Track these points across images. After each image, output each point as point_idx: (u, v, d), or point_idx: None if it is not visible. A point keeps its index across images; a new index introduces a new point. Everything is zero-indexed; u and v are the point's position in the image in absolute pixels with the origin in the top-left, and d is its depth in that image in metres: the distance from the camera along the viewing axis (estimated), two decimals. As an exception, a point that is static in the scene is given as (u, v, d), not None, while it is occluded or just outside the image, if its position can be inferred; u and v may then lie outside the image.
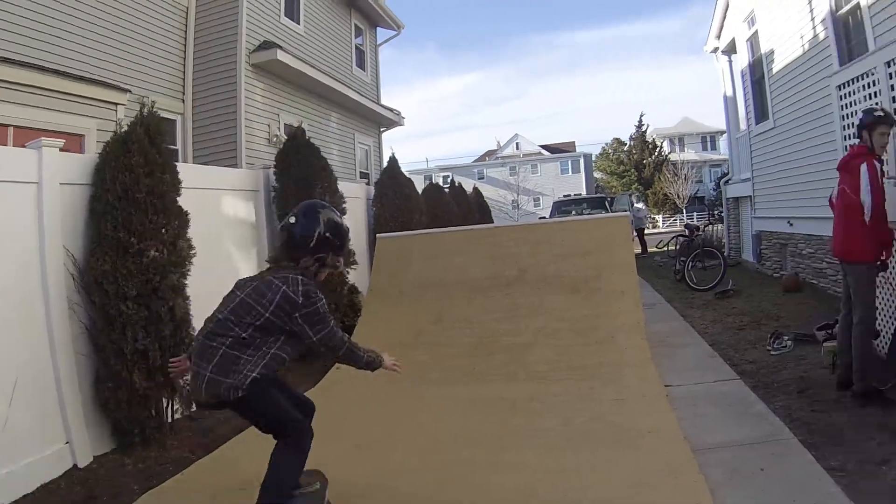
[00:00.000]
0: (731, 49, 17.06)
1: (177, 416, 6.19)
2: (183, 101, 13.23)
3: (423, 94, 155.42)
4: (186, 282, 6.14)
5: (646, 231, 24.94)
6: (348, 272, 9.47)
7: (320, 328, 3.80)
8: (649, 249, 23.51)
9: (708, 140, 69.27)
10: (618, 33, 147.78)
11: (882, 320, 6.22)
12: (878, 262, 5.53)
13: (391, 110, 21.51)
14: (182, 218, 6.25)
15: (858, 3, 9.00)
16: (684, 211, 55.21)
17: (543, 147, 73.60)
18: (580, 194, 50.85)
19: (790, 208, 12.21)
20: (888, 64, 6.21)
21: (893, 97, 6.11)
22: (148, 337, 5.66)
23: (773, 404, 5.63)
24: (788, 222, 12.30)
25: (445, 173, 64.71)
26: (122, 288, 5.59)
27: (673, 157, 63.58)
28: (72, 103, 9.59)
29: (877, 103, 6.32)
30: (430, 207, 14.81)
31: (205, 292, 6.69)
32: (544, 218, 27.40)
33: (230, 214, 8.43)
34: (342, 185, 9.95)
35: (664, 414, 5.61)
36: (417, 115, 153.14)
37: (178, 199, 6.28)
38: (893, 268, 6.16)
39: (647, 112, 71.71)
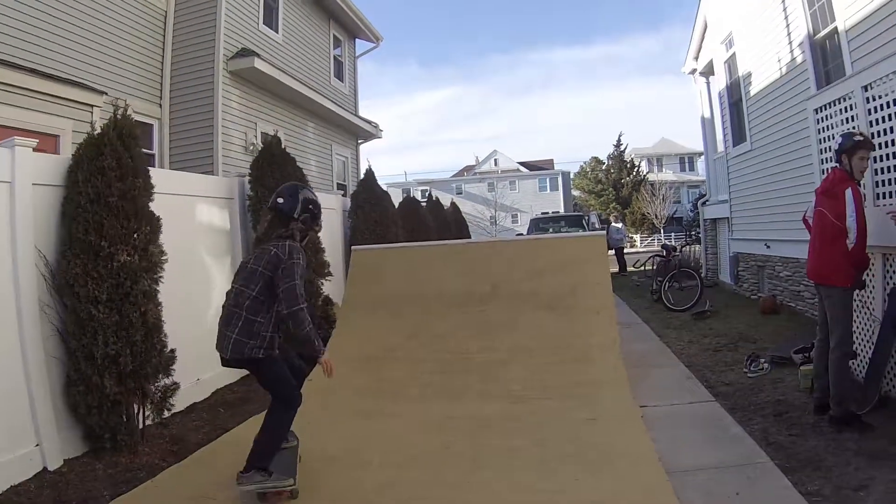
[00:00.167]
0: (709, 71, 17.18)
1: (148, 422, 6.14)
2: (160, 105, 13.11)
3: (404, 108, 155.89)
4: (158, 287, 6.12)
5: (624, 250, 24.95)
6: (322, 283, 9.38)
7: (287, 281, 4.61)
8: (627, 268, 23.53)
9: (686, 161, 69.90)
10: (597, 53, 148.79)
11: (859, 344, 6.21)
12: (857, 282, 5.53)
13: (369, 122, 21.48)
14: (154, 223, 6.19)
15: (836, 28, 9.08)
16: (662, 231, 55.45)
17: (522, 164, 73.79)
18: (558, 212, 51.10)
19: (768, 230, 12.26)
20: (865, 88, 6.21)
21: (870, 121, 6.11)
22: (119, 342, 5.61)
23: (750, 427, 5.60)
24: (766, 244, 12.34)
25: (424, 187, 64.65)
26: (92, 292, 5.58)
27: (651, 177, 63.97)
28: (47, 103, 9.45)
29: (854, 127, 6.32)
30: (406, 221, 14.80)
31: (177, 299, 6.72)
32: (521, 234, 27.45)
33: (204, 221, 8.32)
34: (318, 196, 9.77)
35: (639, 435, 5.55)
36: (397, 129, 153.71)
37: (150, 204, 6.24)
38: (870, 291, 6.16)
39: (626, 132, 71.64)
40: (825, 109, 7.15)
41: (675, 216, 55.72)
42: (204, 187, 8.53)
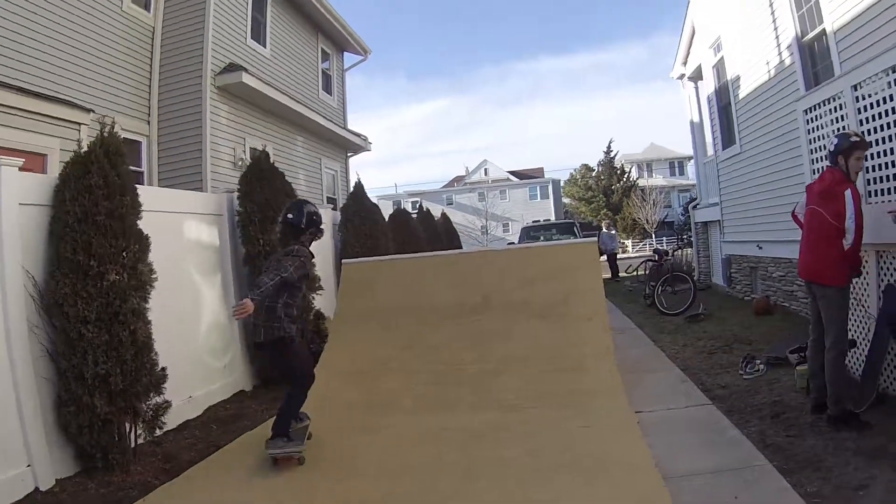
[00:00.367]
0: (697, 75, 17.23)
1: (140, 440, 6.10)
2: (148, 122, 13.02)
3: (393, 121, 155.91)
4: (148, 305, 6.08)
5: (617, 256, 24.98)
6: (314, 298, 9.33)
7: (270, 272, 5.63)
8: (619, 274, 23.54)
9: (676, 165, 70.10)
10: (585, 62, 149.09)
11: (855, 335, 6.20)
12: (855, 272, 5.57)
13: (358, 135, 21.48)
14: (143, 241, 6.17)
15: (824, 30, 9.09)
16: (653, 236, 55.54)
17: (512, 173, 73.94)
18: (549, 220, 51.05)
19: (759, 232, 12.27)
20: (855, 87, 6.22)
21: (860, 120, 6.12)
22: (109, 361, 5.58)
23: (747, 429, 5.56)
24: (758, 246, 12.34)
25: (414, 199, 64.80)
26: (82, 311, 5.55)
27: (641, 182, 64.16)
28: (34, 122, 9.41)
29: (844, 127, 6.32)
30: (396, 233, 14.78)
31: (168, 316, 6.69)
32: (513, 243, 27.48)
33: (193, 238, 8.26)
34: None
35: (635, 442, 5.51)
36: (387, 141, 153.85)
37: (138, 222, 6.21)
38: (864, 288, 6.16)
39: (616, 139, 72.01)
40: (815, 110, 7.15)
41: (666, 220, 55.91)
42: (192, 204, 8.47)
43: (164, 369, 6.09)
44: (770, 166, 11.40)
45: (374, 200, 13.66)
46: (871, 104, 5.95)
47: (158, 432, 6.31)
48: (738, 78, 13.13)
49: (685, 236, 25.00)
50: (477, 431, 6.20)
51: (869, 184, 6.09)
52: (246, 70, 13.92)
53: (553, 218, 58.89)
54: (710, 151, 16.60)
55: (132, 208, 6.13)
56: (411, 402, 7.30)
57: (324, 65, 20.25)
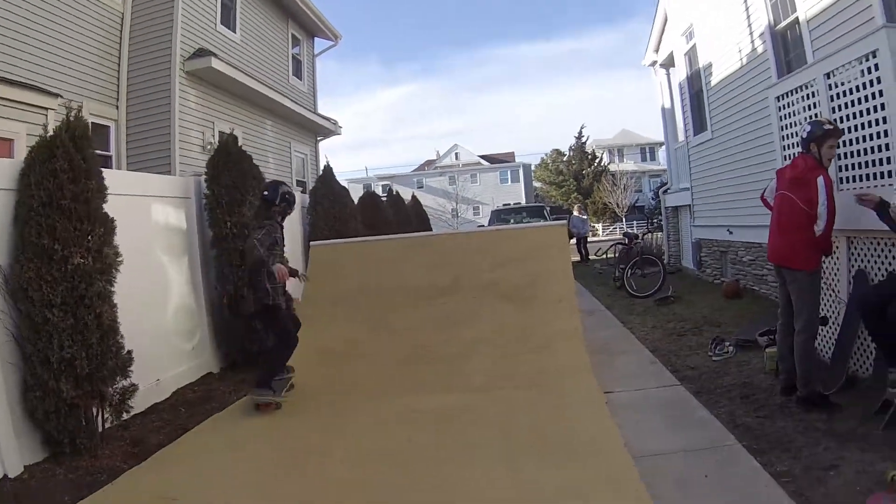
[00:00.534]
0: (669, 62, 17.24)
1: (107, 425, 6.02)
2: (117, 107, 12.84)
3: (365, 105, 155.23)
4: (114, 289, 6.00)
5: (588, 239, 25.07)
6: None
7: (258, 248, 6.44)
8: (590, 257, 23.62)
9: (647, 151, 70.53)
10: (558, 48, 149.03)
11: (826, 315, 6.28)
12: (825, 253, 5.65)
13: (328, 119, 21.41)
14: (108, 225, 6.06)
15: (797, 18, 9.14)
16: (624, 220, 55.80)
17: (483, 157, 73.98)
18: (519, 203, 51.21)
19: (730, 216, 12.36)
20: (828, 76, 6.24)
21: (833, 108, 6.15)
22: (74, 345, 5.51)
23: (717, 410, 5.60)
24: (728, 230, 12.42)
25: (385, 182, 64.74)
26: (47, 295, 5.47)
27: (612, 167, 64.36)
28: (0, 107, 9.25)
29: (817, 114, 6.35)
30: (366, 216, 14.72)
31: (134, 300, 6.61)
32: (483, 226, 27.52)
33: (160, 221, 8.16)
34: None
35: (604, 421, 5.53)
36: (358, 126, 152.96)
37: (103, 205, 6.10)
38: (835, 274, 6.21)
39: (587, 125, 72.01)
40: (787, 97, 7.18)
41: (636, 205, 56.08)
42: (160, 187, 8.36)
43: (130, 352, 6.01)
44: (741, 152, 11.46)
45: (345, 184, 13.58)
46: (844, 91, 6.00)
47: (126, 416, 6.24)
48: (710, 65, 13.17)
49: (655, 220, 25.11)
50: (447, 413, 6.18)
51: (840, 171, 6.14)
52: (215, 55, 13.80)
53: (524, 202, 59.10)
54: (682, 137, 16.65)
55: (98, 192, 6.01)
56: (380, 385, 7.27)
57: (294, 50, 20.13)
